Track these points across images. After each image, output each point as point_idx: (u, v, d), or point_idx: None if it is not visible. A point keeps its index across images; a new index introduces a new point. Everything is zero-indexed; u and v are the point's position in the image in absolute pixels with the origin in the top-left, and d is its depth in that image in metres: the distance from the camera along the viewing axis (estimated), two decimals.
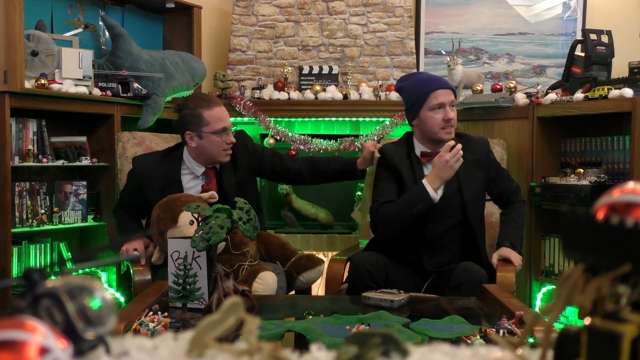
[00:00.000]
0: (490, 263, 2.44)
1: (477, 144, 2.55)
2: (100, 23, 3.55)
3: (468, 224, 2.46)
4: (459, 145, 2.33)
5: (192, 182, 2.54)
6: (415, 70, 3.91)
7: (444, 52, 4.15)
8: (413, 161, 2.48)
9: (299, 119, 3.78)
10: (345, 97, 3.73)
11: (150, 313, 1.77)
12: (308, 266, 2.46)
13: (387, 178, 2.48)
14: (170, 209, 2.28)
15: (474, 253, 2.46)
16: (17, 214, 2.98)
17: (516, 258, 2.39)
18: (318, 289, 3.07)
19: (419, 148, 2.49)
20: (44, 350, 0.53)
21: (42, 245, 3.18)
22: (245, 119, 3.68)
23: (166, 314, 1.79)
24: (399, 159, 2.48)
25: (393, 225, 2.40)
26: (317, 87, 3.76)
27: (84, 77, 3.16)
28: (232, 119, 3.56)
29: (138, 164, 2.59)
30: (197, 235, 1.89)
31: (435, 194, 2.34)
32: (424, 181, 2.34)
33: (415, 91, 2.44)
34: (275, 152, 2.78)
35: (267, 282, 2.20)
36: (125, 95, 3.30)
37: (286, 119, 3.74)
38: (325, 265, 2.62)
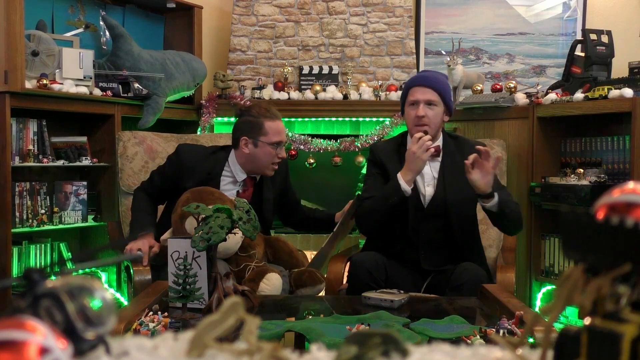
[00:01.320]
0: (487, 266, 2.45)
1: (470, 148, 2.50)
2: (101, 23, 3.55)
3: (456, 225, 2.43)
4: (426, 137, 2.34)
5: (229, 185, 2.55)
6: (415, 70, 3.91)
7: (444, 52, 4.15)
8: (402, 157, 2.48)
9: (299, 119, 3.78)
10: (345, 97, 3.73)
11: (150, 313, 1.77)
12: (308, 283, 2.43)
13: (374, 175, 2.54)
14: (200, 198, 2.25)
15: (470, 254, 2.45)
16: (17, 214, 2.98)
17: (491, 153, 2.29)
18: None
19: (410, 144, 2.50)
20: (44, 350, 0.53)
21: (42, 245, 3.19)
22: None
23: (166, 314, 1.79)
24: (386, 156, 2.53)
25: (371, 218, 2.46)
26: (317, 87, 3.76)
27: (84, 77, 3.16)
28: (232, 119, 3.57)
29: (185, 153, 2.58)
30: (197, 235, 1.89)
31: (407, 187, 2.36)
32: (398, 174, 2.38)
33: (404, 88, 2.54)
34: (297, 196, 2.87)
35: (273, 283, 2.21)
36: (125, 95, 3.30)
37: (286, 119, 3.73)
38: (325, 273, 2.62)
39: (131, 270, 2.47)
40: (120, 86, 3.27)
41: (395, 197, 2.36)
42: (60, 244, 3.28)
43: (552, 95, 3.34)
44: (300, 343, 1.74)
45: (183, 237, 2.11)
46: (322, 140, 3.64)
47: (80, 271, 2.80)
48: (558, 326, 2.03)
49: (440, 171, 2.44)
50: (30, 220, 3.05)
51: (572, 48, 3.54)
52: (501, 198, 2.32)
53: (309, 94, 3.74)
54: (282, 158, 2.54)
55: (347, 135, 3.69)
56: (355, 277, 2.34)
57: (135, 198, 2.64)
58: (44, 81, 2.90)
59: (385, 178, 2.50)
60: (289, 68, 3.82)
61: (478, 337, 1.61)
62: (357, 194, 3.63)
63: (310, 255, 2.84)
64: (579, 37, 3.84)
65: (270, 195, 2.62)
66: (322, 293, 2.57)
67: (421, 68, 4.12)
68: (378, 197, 2.43)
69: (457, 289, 2.26)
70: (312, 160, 3.72)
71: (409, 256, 2.46)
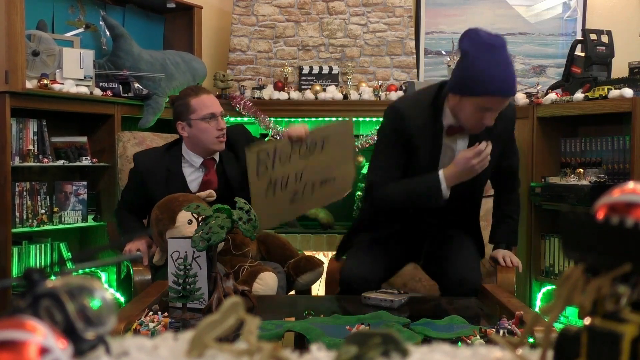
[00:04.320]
0: (488, 255, 2.45)
1: (504, 118, 2.18)
2: (101, 23, 3.55)
3: (471, 195, 2.32)
4: (489, 149, 2.05)
5: (193, 174, 2.55)
6: (415, 71, 3.91)
7: (444, 52, 4.15)
8: (437, 131, 2.13)
9: (299, 119, 3.78)
10: (345, 97, 3.73)
11: (150, 313, 1.77)
12: (307, 268, 2.47)
13: (394, 146, 2.15)
14: (168, 209, 2.28)
15: (470, 222, 2.42)
16: (17, 214, 2.98)
17: (516, 260, 2.37)
18: (318, 289, 3.07)
19: (448, 119, 2.15)
20: (44, 350, 0.53)
21: (42, 245, 3.19)
22: (245, 118, 3.68)
23: (166, 314, 1.79)
24: (417, 127, 2.13)
25: (393, 207, 2.24)
26: (317, 87, 3.76)
27: (85, 77, 3.16)
28: (232, 119, 3.57)
29: (140, 159, 2.59)
30: (197, 235, 1.89)
31: (447, 192, 2.11)
32: (441, 175, 2.09)
33: (472, 78, 2.01)
34: None
35: (267, 282, 2.21)
36: (126, 95, 3.30)
37: (286, 119, 3.74)
38: (325, 265, 2.62)
39: (131, 271, 2.47)
40: (120, 86, 3.27)
41: (433, 200, 2.11)
42: (60, 244, 3.28)
43: (552, 95, 3.34)
44: (301, 343, 1.74)
45: (183, 237, 2.11)
46: None
47: (80, 271, 2.80)
48: (558, 326, 2.02)
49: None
50: (30, 220, 3.05)
51: (572, 48, 3.55)
52: (514, 240, 2.45)
53: (309, 94, 3.74)
54: (222, 129, 2.49)
55: None
56: (349, 292, 2.27)
57: (117, 217, 2.64)
58: (45, 81, 2.90)
59: (405, 151, 2.15)
60: (289, 68, 3.82)
61: (478, 337, 1.61)
62: (357, 194, 3.63)
63: (309, 253, 2.84)
64: (579, 37, 3.84)
65: (235, 172, 2.54)
66: (323, 277, 2.58)
67: (421, 68, 4.12)
68: (409, 192, 2.15)
69: (456, 288, 2.25)
70: None
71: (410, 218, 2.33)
